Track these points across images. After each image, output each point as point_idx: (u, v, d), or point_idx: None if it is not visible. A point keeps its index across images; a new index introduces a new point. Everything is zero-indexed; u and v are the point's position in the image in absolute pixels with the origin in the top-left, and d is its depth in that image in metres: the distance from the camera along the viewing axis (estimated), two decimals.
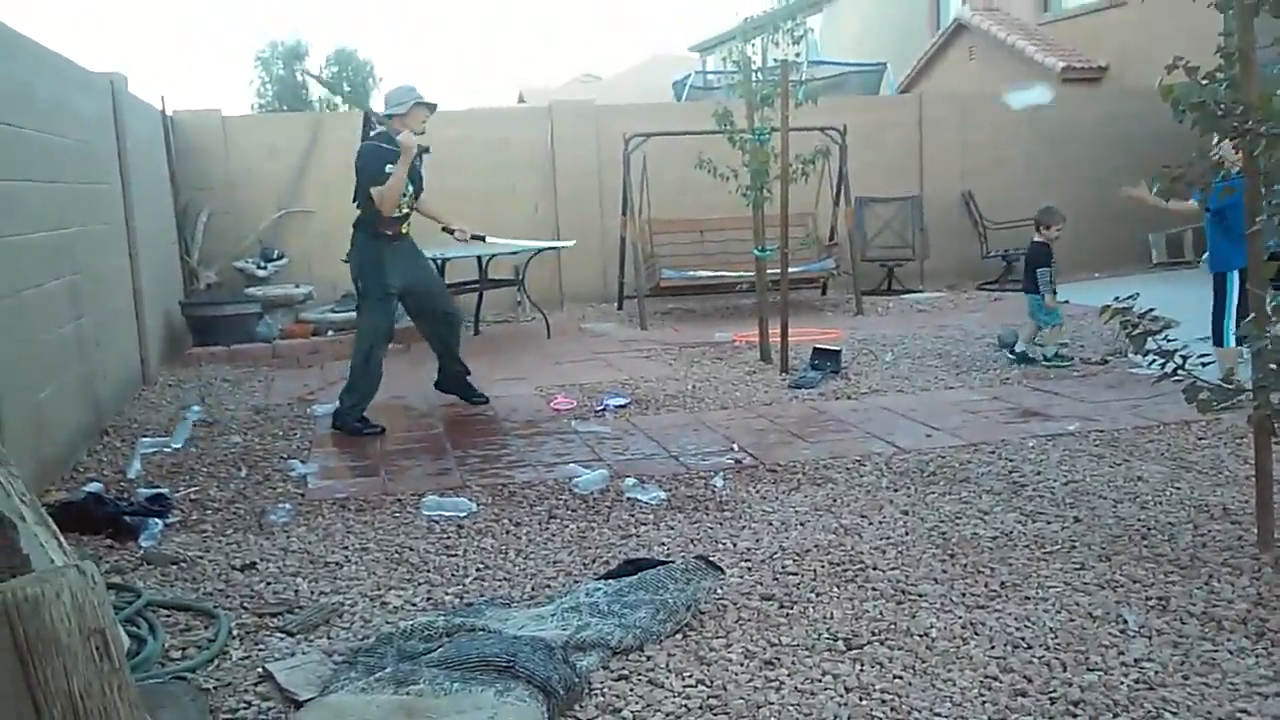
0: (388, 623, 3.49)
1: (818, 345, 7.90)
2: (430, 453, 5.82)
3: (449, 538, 4.37)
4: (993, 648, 3.15)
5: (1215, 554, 3.83)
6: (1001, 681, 2.95)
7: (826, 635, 3.27)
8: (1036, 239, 7.89)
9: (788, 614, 3.45)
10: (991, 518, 4.34)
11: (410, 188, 6.37)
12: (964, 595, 3.55)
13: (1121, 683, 2.92)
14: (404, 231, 6.45)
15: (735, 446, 5.66)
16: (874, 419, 6.19)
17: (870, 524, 4.32)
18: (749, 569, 3.86)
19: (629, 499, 4.80)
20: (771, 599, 3.57)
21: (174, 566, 4.09)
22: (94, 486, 5.07)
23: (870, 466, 5.19)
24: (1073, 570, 3.74)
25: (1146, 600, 3.46)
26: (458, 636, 3.19)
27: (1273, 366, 3.62)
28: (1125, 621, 3.29)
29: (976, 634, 3.25)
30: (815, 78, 13.06)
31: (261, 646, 3.36)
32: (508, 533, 4.42)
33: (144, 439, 6.08)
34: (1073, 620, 3.32)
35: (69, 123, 6.49)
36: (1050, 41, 16.86)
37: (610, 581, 3.59)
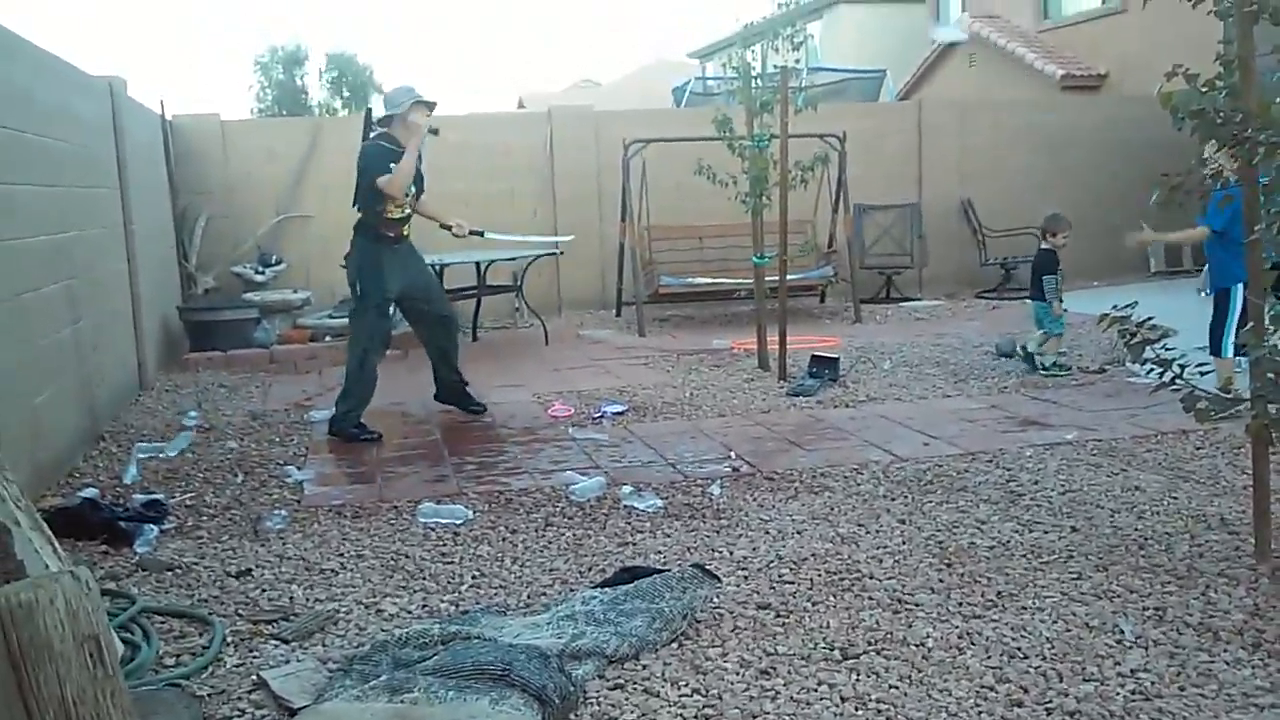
0: (383, 630, 3.49)
1: (816, 353, 7.90)
2: (427, 459, 5.81)
3: (445, 545, 4.36)
4: (989, 658, 3.15)
5: (1212, 564, 3.82)
6: (998, 692, 2.94)
7: (823, 645, 3.26)
8: (1043, 246, 7.89)
9: (784, 623, 3.44)
10: (989, 527, 4.33)
11: (413, 188, 6.37)
12: (960, 605, 3.54)
13: (1118, 693, 2.91)
14: (405, 234, 6.44)
15: (733, 454, 5.65)
16: (872, 427, 6.19)
17: (867, 533, 4.32)
18: (745, 577, 3.86)
19: (626, 507, 4.79)
20: (768, 608, 3.56)
21: (169, 573, 4.08)
22: (89, 492, 5.07)
23: (868, 475, 5.18)
24: (1070, 580, 3.73)
25: (1143, 610, 3.45)
26: (453, 644, 3.18)
27: (1270, 376, 3.62)
28: (1122, 632, 3.29)
29: (973, 644, 3.24)
30: (815, 84, 13.09)
31: (256, 654, 3.35)
32: (504, 540, 4.41)
33: (140, 444, 6.07)
34: (1069, 630, 3.32)
35: (68, 126, 6.49)
36: (1050, 49, 16.88)
37: (606, 590, 3.58)
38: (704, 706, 2.91)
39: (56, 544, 3.50)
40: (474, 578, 3.98)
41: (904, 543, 4.18)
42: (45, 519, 3.63)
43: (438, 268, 8.78)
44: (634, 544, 4.31)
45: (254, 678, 3.15)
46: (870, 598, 3.63)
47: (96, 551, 4.35)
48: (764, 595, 3.67)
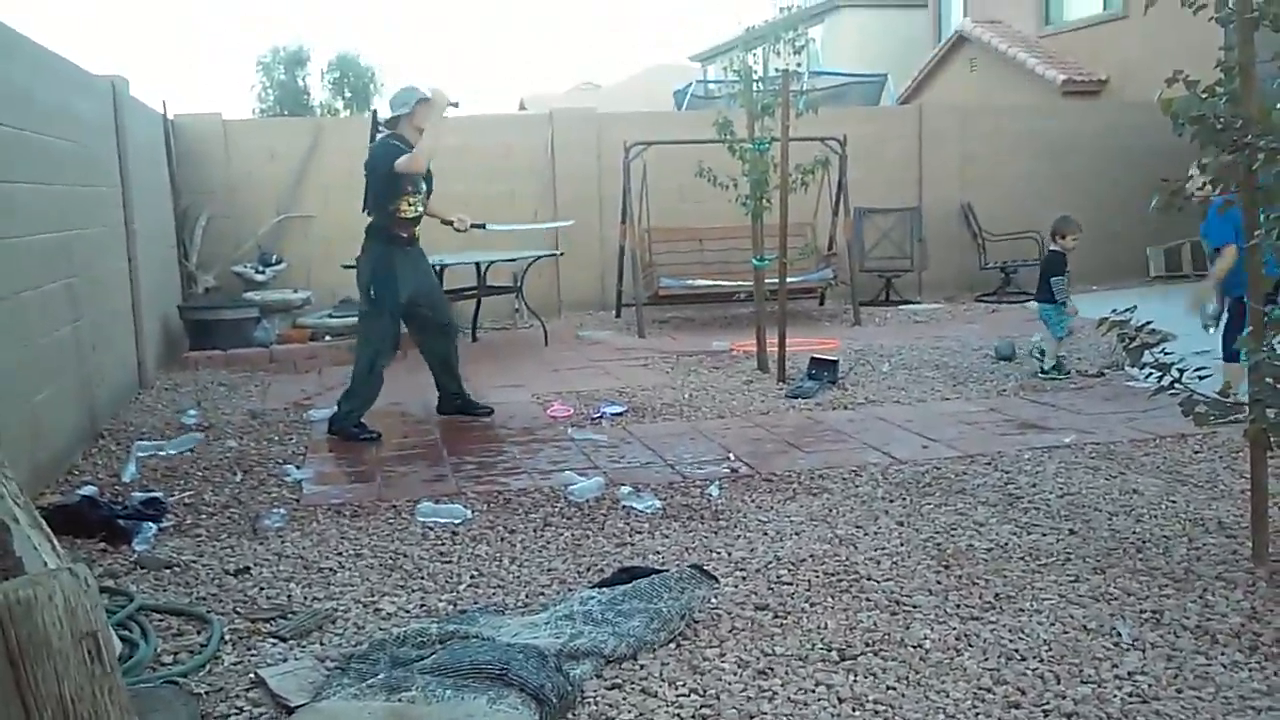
0: (381, 629, 3.49)
1: (815, 355, 7.90)
2: (426, 459, 5.82)
3: (443, 544, 4.37)
4: (986, 659, 3.15)
5: (1210, 568, 3.82)
6: (995, 693, 2.94)
7: (820, 645, 3.27)
8: (1052, 248, 7.89)
9: (782, 624, 3.44)
10: (987, 529, 4.34)
11: (424, 186, 6.38)
12: (958, 607, 3.54)
13: (1115, 695, 2.92)
14: (416, 235, 6.45)
15: (731, 455, 5.65)
16: (870, 429, 6.19)
17: (865, 534, 4.32)
18: (744, 578, 3.86)
19: (624, 507, 4.80)
20: (766, 609, 3.56)
21: (167, 571, 4.09)
22: (88, 490, 5.07)
23: (866, 477, 5.19)
24: (1067, 583, 3.73)
25: (1141, 613, 3.45)
26: (451, 644, 3.18)
27: (1269, 381, 3.62)
28: (1119, 634, 3.29)
29: (970, 645, 3.25)
30: (816, 88, 13.12)
31: (254, 652, 3.36)
32: (502, 540, 4.41)
33: (140, 442, 6.08)
34: (1067, 632, 3.32)
35: (69, 125, 6.50)
36: (1051, 54, 16.90)
37: (604, 590, 3.59)
38: (701, 707, 2.91)
39: (55, 541, 3.51)
40: (472, 577, 3.98)
41: (902, 544, 4.18)
42: (44, 516, 3.63)
43: (438, 268, 8.79)
44: (632, 544, 4.31)
45: (252, 676, 3.15)
46: (868, 599, 3.63)
47: (95, 549, 4.35)
48: (762, 596, 3.68)
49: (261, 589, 3.90)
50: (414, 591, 3.85)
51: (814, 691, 2.98)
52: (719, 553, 4.16)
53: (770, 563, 4.00)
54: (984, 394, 7.15)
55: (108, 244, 7.26)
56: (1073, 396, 6.97)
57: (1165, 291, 11.70)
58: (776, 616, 3.50)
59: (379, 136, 6.38)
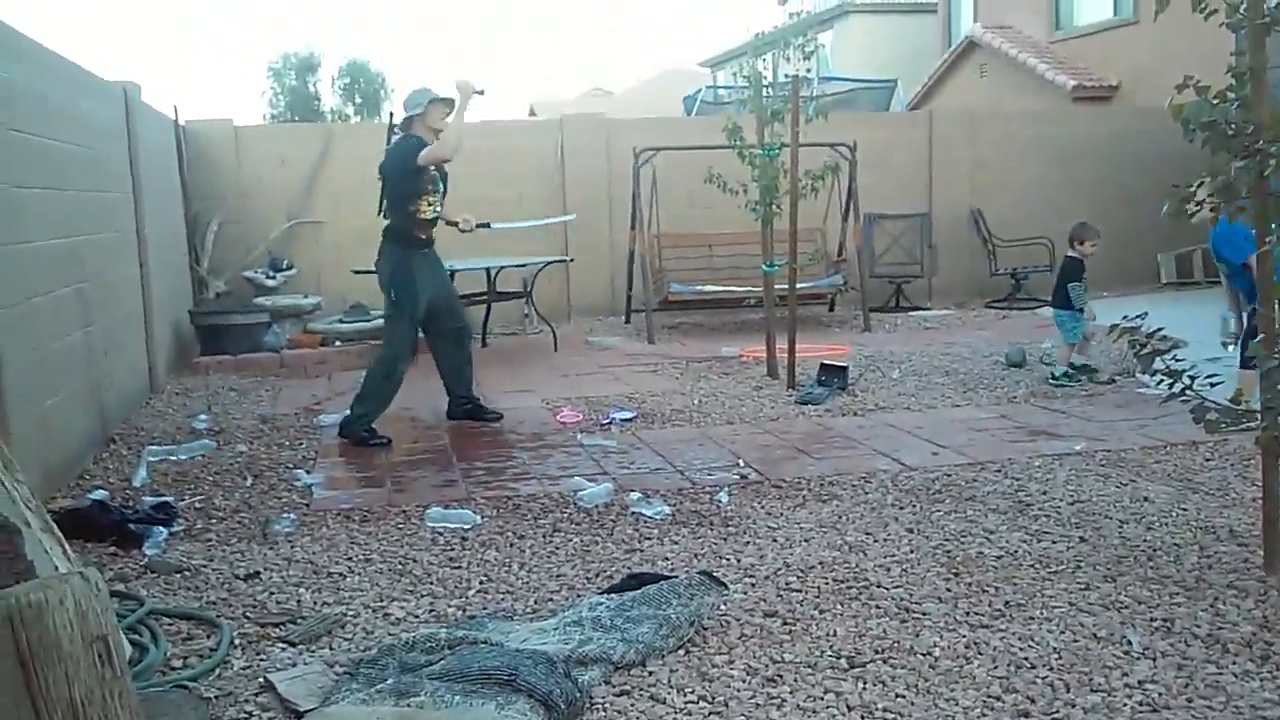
0: (390, 634, 3.49)
1: (825, 361, 7.90)
2: (436, 465, 5.82)
3: (453, 550, 4.37)
4: (996, 667, 3.14)
5: (1221, 576, 3.81)
6: (1004, 702, 2.93)
7: (829, 653, 3.26)
8: (1070, 254, 7.87)
9: (791, 631, 3.44)
10: (997, 537, 4.33)
11: (442, 187, 6.40)
12: (968, 614, 3.54)
13: (1125, 704, 2.90)
14: (433, 237, 6.47)
15: (741, 462, 5.65)
16: (880, 436, 6.18)
17: (875, 541, 4.31)
18: (752, 585, 3.85)
19: (633, 513, 4.79)
20: (775, 616, 3.56)
21: (177, 575, 4.10)
22: (99, 494, 5.09)
23: (876, 484, 5.18)
24: (1077, 590, 3.72)
25: (1151, 622, 3.44)
26: (460, 649, 3.18)
27: None
28: (1130, 643, 3.28)
29: (980, 653, 3.24)
30: (825, 94, 13.08)
31: (263, 656, 3.36)
32: (511, 545, 4.42)
33: (150, 447, 6.09)
34: (1077, 641, 3.31)
35: (81, 131, 6.52)
36: (1061, 59, 16.88)
37: (613, 596, 3.59)
38: (710, 713, 2.91)
39: (66, 545, 3.51)
40: (481, 583, 3.99)
41: (912, 552, 4.17)
42: (55, 520, 3.64)
43: (449, 273, 8.81)
44: (641, 550, 4.31)
45: (261, 680, 3.16)
46: (877, 606, 3.62)
47: (106, 553, 4.36)
48: (771, 603, 3.67)
49: (271, 594, 3.90)
50: (423, 597, 3.85)
51: (823, 699, 2.97)
52: (728, 559, 4.15)
53: (779, 569, 4.00)
54: (994, 401, 7.14)
55: (119, 249, 7.29)
56: (1083, 403, 6.95)
57: (1176, 298, 11.69)
58: (785, 623, 3.50)
59: (394, 138, 6.40)
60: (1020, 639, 3.33)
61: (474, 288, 9.94)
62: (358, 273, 8.99)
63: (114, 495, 5.16)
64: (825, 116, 7.62)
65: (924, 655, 3.23)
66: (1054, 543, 4.23)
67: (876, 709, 2.91)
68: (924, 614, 3.54)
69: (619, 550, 4.32)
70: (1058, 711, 2.87)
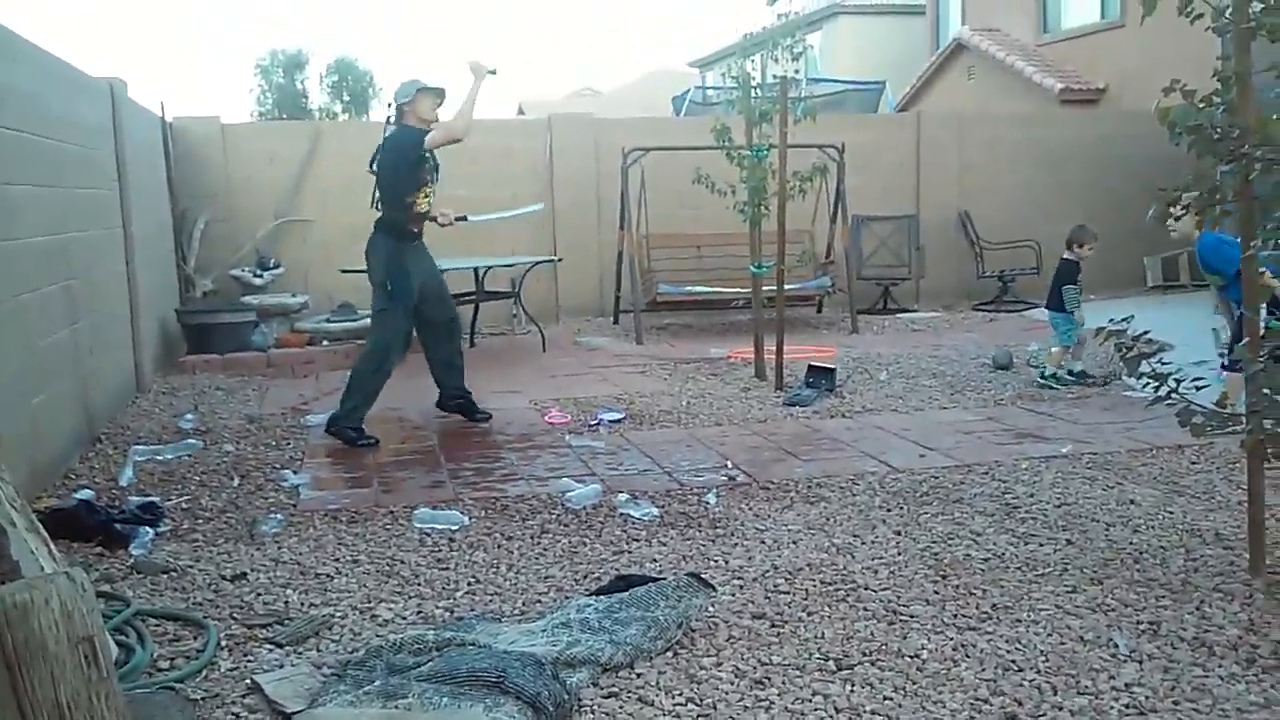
0: (377, 636, 3.48)
1: (813, 363, 7.91)
2: (423, 465, 5.81)
3: (440, 551, 4.36)
4: (983, 670, 3.15)
5: (1207, 579, 3.82)
6: (992, 704, 2.94)
7: (817, 655, 3.26)
8: (1067, 256, 7.90)
9: (779, 633, 3.44)
10: (984, 539, 4.34)
11: (436, 176, 6.39)
12: (955, 617, 3.54)
13: (1112, 707, 2.91)
14: (422, 230, 6.47)
15: (729, 463, 5.65)
16: (868, 438, 6.19)
17: (863, 544, 4.32)
18: (741, 587, 3.86)
19: (621, 514, 4.79)
20: (763, 618, 3.56)
21: (164, 576, 4.08)
22: (85, 494, 5.06)
23: (863, 486, 5.19)
24: (1064, 593, 3.73)
25: (1138, 624, 3.45)
26: (447, 651, 3.18)
27: (1266, 392, 3.63)
28: (1116, 645, 3.29)
29: (967, 656, 3.25)
30: (814, 95, 13.11)
31: (250, 658, 3.35)
32: (499, 547, 4.41)
33: (137, 447, 6.07)
34: (1064, 643, 3.32)
35: (68, 127, 6.49)
36: (1049, 62, 16.93)
37: (601, 598, 3.58)
38: (698, 716, 2.91)
39: (52, 545, 3.50)
40: (469, 584, 3.98)
41: (899, 554, 4.18)
42: (41, 520, 3.62)
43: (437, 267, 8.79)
44: (629, 552, 4.31)
45: (248, 682, 3.15)
46: (865, 609, 3.63)
47: (92, 553, 4.34)
48: (759, 605, 3.67)
49: (258, 595, 3.89)
50: (411, 598, 3.84)
51: (811, 701, 2.98)
52: (716, 561, 4.16)
53: (767, 571, 4.00)
54: (981, 403, 7.16)
55: (106, 247, 7.26)
56: (1070, 406, 6.97)
57: (1162, 301, 11.74)
58: (773, 625, 3.50)
59: (387, 130, 6.37)
60: (1007, 641, 3.34)
61: (462, 287, 9.92)
62: (346, 272, 9.00)
63: (100, 495, 5.14)
64: (813, 118, 7.62)
65: (912, 657, 3.24)
66: (1041, 545, 4.24)
67: (864, 711, 2.91)
68: (911, 616, 3.55)
69: (607, 552, 4.32)
70: (1045, 714, 2.88)
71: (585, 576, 4.03)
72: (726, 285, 10.62)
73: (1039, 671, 3.13)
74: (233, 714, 2.98)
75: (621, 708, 2.96)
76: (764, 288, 8.14)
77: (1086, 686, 3.03)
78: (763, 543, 4.36)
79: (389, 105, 6.50)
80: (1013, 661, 3.20)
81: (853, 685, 3.06)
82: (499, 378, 8.40)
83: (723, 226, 10.00)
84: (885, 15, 24.68)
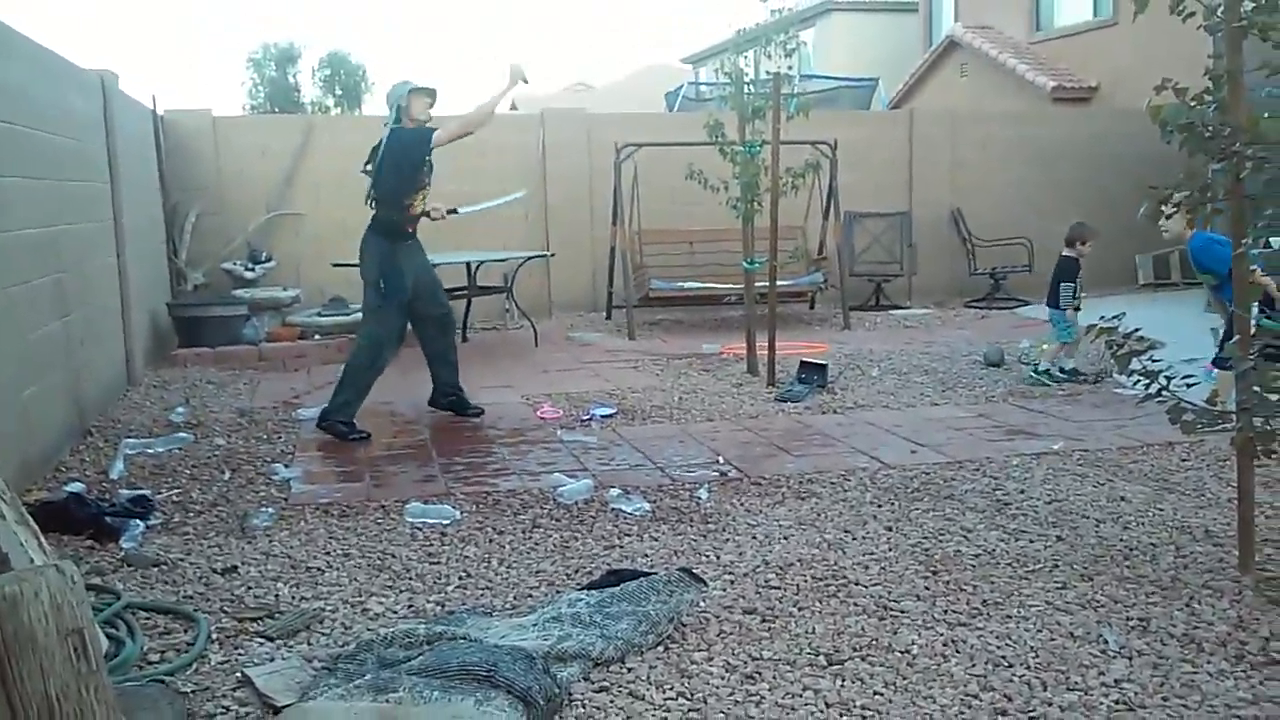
0: (368, 630, 3.48)
1: (805, 359, 7.91)
2: (415, 460, 5.81)
3: (432, 545, 4.36)
4: (974, 666, 3.16)
5: (1196, 576, 3.84)
6: (982, 700, 2.95)
7: (808, 650, 3.27)
8: (1067, 253, 7.92)
9: (770, 628, 3.45)
10: (975, 535, 4.35)
11: (431, 177, 6.39)
12: (946, 612, 3.55)
13: (1101, 703, 2.92)
14: (415, 229, 6.47)
15: (721, 459, 5.66)
16: (859, 434, 6.20)
17: (854, 539, 4.33)
18: (732, 582, 3.86)
19: (613, 509, 4.79)
20: (754, 613, 3.57)
21: (154, 569, 4.07)
22: (76, 487, 5.05)
23: (855, 481, 5.19)
24: (1054, 589, 3.74)
25: (1127, 621, 3.46)
26: (438, 645, 3.18)
27: (1256, 389, 3.64)
28: (1106, 642, 3.30)
29: (958, 651, 3.25)
30: (807, 91, 13.11)
31: (241, 651, 3.35)
32: (491, 541, 4.41)
33: (128, 440, 6.05)
34: (1054, 639, 3.33)
35: (59, 120, 6.47)
36: (1041, 60, 16.95)
37: (592, 592, 3.59)
38: (689, 710, 2.91)
39: (42, 538, 3.50)
40: (460, 578, 3.98)
41: (890, 549, 4.19)
42: (31, 513, 3.62)
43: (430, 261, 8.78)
44: (621, 547, 4.31)
45: (238, 675, 3.15)
46: (856, 604, 3.63)
47: (82, 546, 4.33)
48: (750, 600, 3.68)
49: (249, 588, 3.89)
50: (402, 592, 3.84)
51: (801, 696, 2.98)
52: (707, 556, 4.16)
53: (758, 566, 4.01)
54: (973, 400, 7.17)
55: (97, 240, 7.24)
56: (1061, 403, 6.99)
57: (1153, 298, 11.77)
58: (764, 620, 3.51)
59: (395, 129, 6.34)
60: (998, 637, 3.34)
61: (455, 282, 9.90)
62: (337, 265, 8.97)
63: (91, 488, 5.12)
64: (806, 114, 7.62)
65: (902, 653, 3.24)
66: (1031, 541, 4.25)
67: (855, 706, 2.92)
68: (902, 612, 3.56)
69: (598, 546, 4.32)
70: (1035, 710, 2.89)
71: (576, 571, 4.03)
72: (719, 281, 10.63)
73: (1029, 667, 3.14)
74: (223, 707, 2.97)
75: (612, 702, 2.97)
76: (756, 283, 8.15)
77: (1076, 682, 3.04)
78: (754, 538, 4.36)
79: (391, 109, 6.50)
80: (1003, 657, 3.20)
81: (843, 680, 3.07)
82: (491, 373, 8.40)
83: (716, 222, 10.00)
84: (878, 12, 24.69)
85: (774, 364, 7.76)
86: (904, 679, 3.08)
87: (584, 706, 2.94)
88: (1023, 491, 4.97)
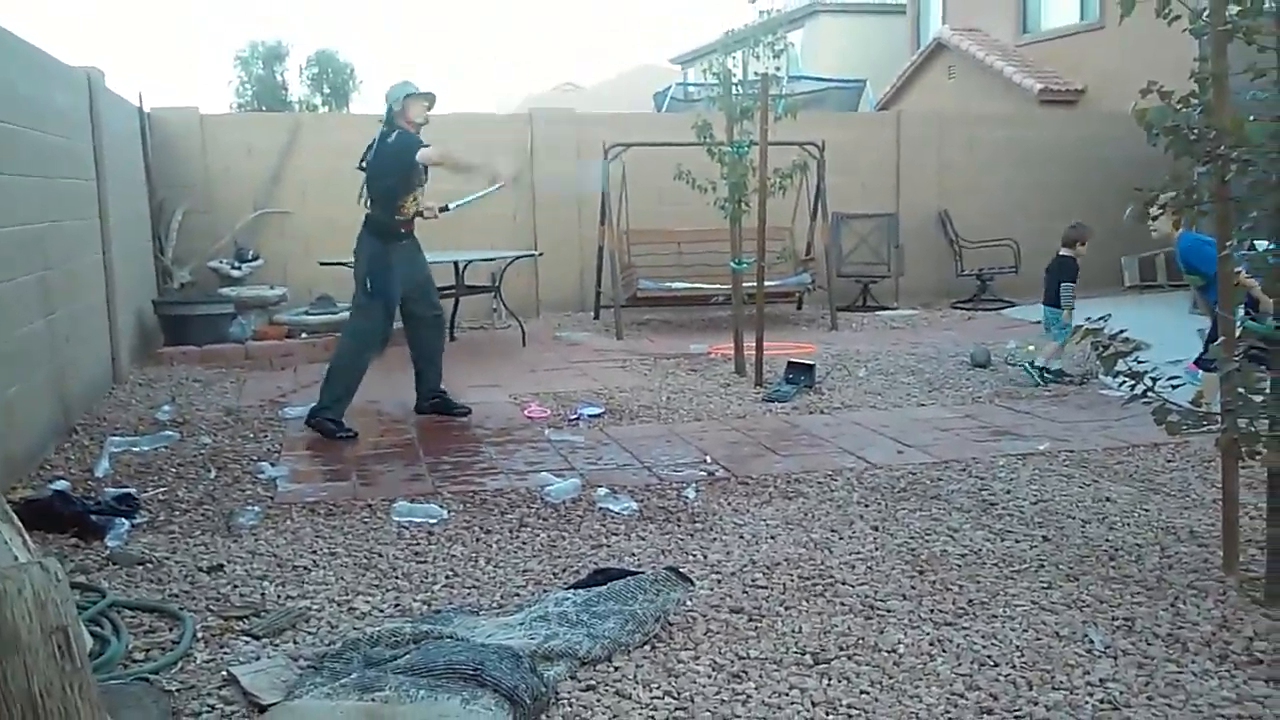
0: (355, 628, 3.48)
1: (792, 359, 7.92)
2: (402, 459, 5.80)
3: (419, 544, 4.35)
4: (960, 665, 3.16)
5: (1181, 576, 3.85)
6: (968, 699, 2.96)
7: (794, 649, 3.28)
8: (1066, 254, 7.94)
9: (756, 627, 3.45)
10: (961, 535, 4.36)
11: (425, 178, 6.39)
12: (932, 612, 3.56)
13: (1086, 702, 2.94)
14: (411, 230, 6.47)
15: (708, 458, 5.66)
16: (846, 434, 6.21)
17: (840, 539, 4.33)
18: (719, 581, 3.87)
19: (600, 509, 4.79)
20: (740, 612, 3.57)
21: (140, 567, 4.06)
22: (61, 484, 5.02)
23: (842, 481, 5.20)
24: (1040, 589, 3.76)
25: (1113, 621, 3.48)
26: (425, 644, 3.17)
27: (1240, 391, 3.65)
28: (1091, 641, 3.31)
29: (944, 651, 3.26)
30: (795, 93, 13.14)
31: (226, 650, 3.34)
32: (478, 540, 4.40)
33: (113, 438, 6.03)
34: (1039, 639, 3.34)
35: (44, 117, 6.44)
36: (1029, 63, 17.00)
37: (579, 591, 3.59)
38: (675, 709, 2.91)
39: (26, 536, 3.48)
40: (447, 577, 3.98)
41: (877, 549, 4.20)
42: (15, 511, 3.60)
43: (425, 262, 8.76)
44: (608, 546, 4.31)
45: (224, 674, 3.14)
46: (842, 603, 3.64)
47: (67, 544, 4.32)
48: (737, 599, 3.68)
49: (235, 586, 3.88)
50: (388, 591, 3.84)
51: (788, 695, 2.99)
52: (694, 555, 4.16)
53: (745, 566, 4.01)
54: (959, 400, 7.19)
55: (82, 237, 7.20)
56: (1047, 404, 7.01)
57: (1139, 300, 11.82)
58: (751, 620, 3.51)
59: (384, 131, 6.33)
60: (984, 637, 3.36)
61: (442, 281, 9.88)
62: (324, 264, 8.95)
63: (76, 486, 5.10)
64: (794, 115, 7.64)
65: (888, 652, 3.25)
66: (1017, 542, 4.27)
67: (841, 705, 2.93)
68: (889, 611, 3.57)
69: (586, 546, 4.32)
70: (1020, 709, 2.90)
71: (564, 570, 4.03)
72: (707, 281, 10.63)
73: (1014, 667, 3.15)
74: (208, 705, 2.96)
75: (599, 701, 2.97)
76: (744, 284, 8.15)
77: (1061, 682, 3.06)
78: (741, 537, 4.37)
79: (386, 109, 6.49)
80: (989, 657, 3.21)
81: (829, 679, 3.08)
82: (478, 372, 8.39)
83: (703, 223, 10.01)
84: (866, 14, 24.73)
85: (761, 364, 7.77)
86: (890, 678, 3.08)
87: (571, 705, 2.94)
88: (1009, 492, 4.98)
